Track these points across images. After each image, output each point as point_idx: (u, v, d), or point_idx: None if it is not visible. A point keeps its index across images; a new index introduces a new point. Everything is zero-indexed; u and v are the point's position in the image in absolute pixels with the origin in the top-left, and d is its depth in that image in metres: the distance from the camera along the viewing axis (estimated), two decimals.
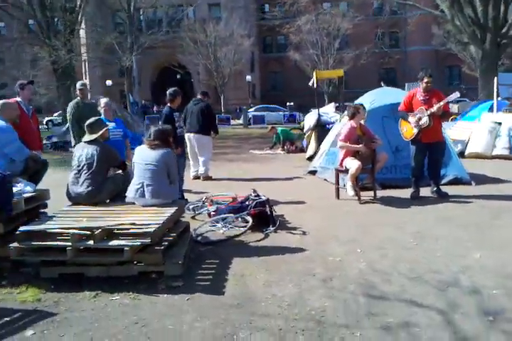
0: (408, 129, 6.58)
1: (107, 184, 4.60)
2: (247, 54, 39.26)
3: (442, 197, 6.56)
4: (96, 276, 3.87)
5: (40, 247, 3.85)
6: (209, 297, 3.55)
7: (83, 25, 29.22)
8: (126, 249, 3.67)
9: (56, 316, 3.30)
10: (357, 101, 7.94)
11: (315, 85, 11.08)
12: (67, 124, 16.35)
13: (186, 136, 8.07)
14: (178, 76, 42.51)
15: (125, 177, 4.79)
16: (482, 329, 2.97)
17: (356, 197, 6.45)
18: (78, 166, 4.57)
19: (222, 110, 36.05)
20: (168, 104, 6.64)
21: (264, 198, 5.28)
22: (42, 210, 4.68)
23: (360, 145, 6.31)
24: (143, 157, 4.52)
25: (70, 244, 3.70)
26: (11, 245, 3.78)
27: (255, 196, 5.45)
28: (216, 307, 3.37)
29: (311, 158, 10.33)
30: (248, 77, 36.55)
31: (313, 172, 8.86)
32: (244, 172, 9.75)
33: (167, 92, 6.67)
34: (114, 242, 3.74)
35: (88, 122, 4.72)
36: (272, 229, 5.11)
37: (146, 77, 41.21)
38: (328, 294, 3.55)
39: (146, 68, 39.63)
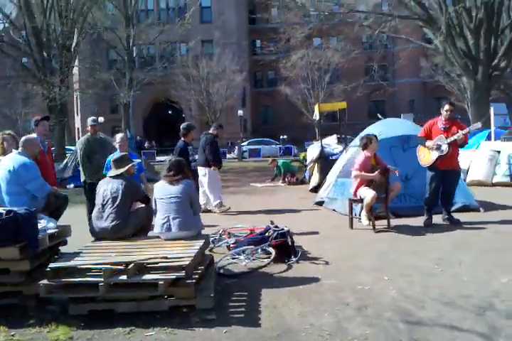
0: (426, 155, 6.69)
1: (131, 218, 4.60)
2: (238, 89, 39.86)
3: (455, 224, 6.61)
4: (125, 312, 3.82)
5: (69, 284, 3.81)
6: (246, 329, 3.51)
7: (77, 63, 29.73)
8: (160, 283, 3.64)
9: None
10: (364, 133, 8.09)
11: (317, 118, 11.27)
12: (65, 161, 16.42)
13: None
14: (170, 111, 43.03)
15: (148, 211, 4.79)
16: None
17: (371, 227, 6.47)
18: (103, 201, 4.58)
19: None
20: (182, 138, 6.71)
21: (285, 229, 5.28)
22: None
23: (375, 174, 6.40)
24: (165, 192, 4.54)
25: (102, 279, 3.66)
26: (40, 282, 3.73)
27: (274, 227, 5.46)
28: (255, 339, 3.34)
29: (314, 190, 10.39)
30: (240, 112, 36.96)
31: (320, 203, 8.91)
32: (251, 205, 9.77)
33: (181, 127, 6.77)
34: (148, 276, 3.71)
35: (115, 157, 4.77)
36: (294, 259, 5.10)
37: (138, 112, 41.56)
38: (367, 322, 3.53)
39: (138, 104, 40.03)
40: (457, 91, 36.89)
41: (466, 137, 6.77)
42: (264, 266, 4.88)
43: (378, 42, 34.83)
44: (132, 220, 4.61)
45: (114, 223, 4.48)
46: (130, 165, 4.74)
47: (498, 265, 4.78)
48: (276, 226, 5.50)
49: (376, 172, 6.41)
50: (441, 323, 3.46)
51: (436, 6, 17.18)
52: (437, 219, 6.87)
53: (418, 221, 6.87)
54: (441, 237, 6.06)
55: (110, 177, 4.70)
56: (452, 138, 6.45)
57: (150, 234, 4.74)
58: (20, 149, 4.80)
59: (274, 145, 31.83)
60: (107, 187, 4.62)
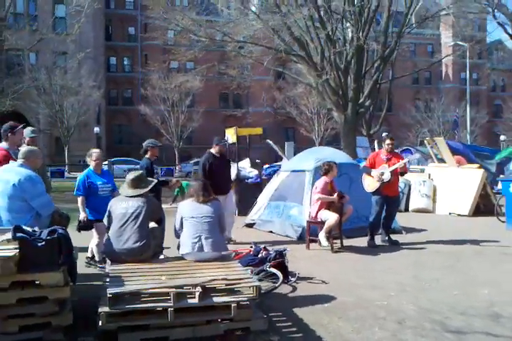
0: (371, 183, 7.36)
1: (151, 239, 4.32)
2: (94, 105, 38.14)
3: (395, 245, 7.36)
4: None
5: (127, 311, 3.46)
6: None
7: None
8: (233, 305, 3.52)
9: None
10: (296, 158, 8.58)
11: (230, 141, 11.49)
12: None
13: None
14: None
15: (162, 232, 4.55)
16: None
17: (329, 247, 6.87)
18: (121, 220, 4.23)
19: (66, 162, 34.12)
20: (146, 156, 6.39)
21: (282, 250, 5.39)
22: None
23: (335, 197, 6.85)
24: (196, 211, 4.39)
25: (171, 304, 3.41)
26: (100, 310, 3.33)
27: (264, 248, 5.53)
28: None
29: None
30: (96, 129, 35.39)
31: (250, 225, 9.09)
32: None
33: (143, 144, 6.44)
34: (218, 299, 3.56)
35: (134, 177, 4.43)
36: (293, 279, 5.22)
37: None
38: (418, 333, 3.85)
39: None
40: (305, 123, 40.34)
41: (405, 166, 7.64)
42: (277, 287, 4.91)
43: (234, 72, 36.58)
44: (152, 241, 4.33)
45: (138, 244, 4.17)
46: (152, 185, 4.47)
47: (466, 280, 5.50)
48: (265, 248, 5.58)
49: (335, 195, 6.88)
50: (476, 331, 3.94)
51: (312, 45, 18.80)
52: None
53: (361, 241, 7.49)
54: (395, 257, 6.71)
55: (127, 196, 4.36)
56: (394, 167, 7.25)
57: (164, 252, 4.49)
58: (21, 161, 4.20)
59: (135, 165, 30.84)
60: (125, 205, 4.28)
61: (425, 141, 14.73)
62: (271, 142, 15.25)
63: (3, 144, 5.09)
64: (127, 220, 4.21)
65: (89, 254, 5.88)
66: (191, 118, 39.25)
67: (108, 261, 4.27)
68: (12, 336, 3.35)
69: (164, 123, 39.11)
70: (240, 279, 3.75)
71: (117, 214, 4.26)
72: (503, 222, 9.72)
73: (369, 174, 7.40)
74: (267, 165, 18.75)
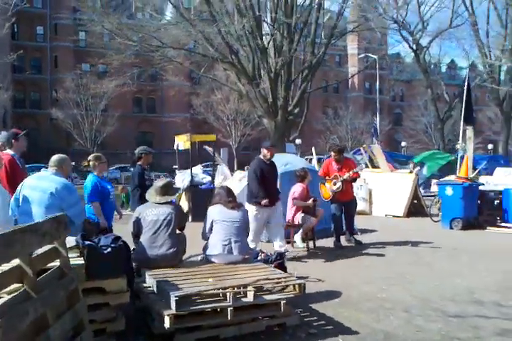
0: (325, 192, 7.96)
1: (180, 244, 4.49)
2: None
3: (359, 244, 8.01)
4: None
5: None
6: (354, 337, 3.98)
7: None
8: (283, 302, 3.84)
9: None
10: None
11: (182, 148, 11.60)
12: None
13: None
14: None
15: (185, 238, 4.72)
16: None
17: (305, 248, 7.34)
18: (153, 227, 4.36)
19: None
20: (138, 163, 6.41)
21: (282, 250, 5.75)
22: None
23: (310, 202, 7.33)
24: (227, 215, 4.65)
25: (230, 303, 3.66)
26: (167, 313, 3.49)
27: (260, 251, 5.85)
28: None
29: None
30: (4, 133, 33.21)
31: None
32: None
33: (136, 151, 6.47)
34: (269, 297, 3.85)
35: (163, 184, 4.56)
36: None
37: None
38: (427, 319, 4.41)
39: None
40: (224, 130, 40.82)
41: (355, 174, 8.22)
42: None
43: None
44: (182, 247, 4.51)
45: (171, 250, 4.34)
46: (178, 193, 4.65)
47: (435, 272, 6.22)
48: (261, 250, 5.91)
49: (311, 200, 7.36)
50: (472, 315, 4.57)
51: (244, 53, 19.37)
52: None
53: (325, 242, 8.07)
54: (366, 255, 7.31)
55: (156, 203, 4.50)
56: (343, 178, 7.83)
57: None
58: (54, 169, 4.18)
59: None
60: (156, 212, 4.43)
61: (361, 148, 15.81)
62: (208, 148, 15.49)
63: (9, 151, 4.97)
64: (159, 227, 4.35)
65: None
66: (106, 123, 38.14)
67: None
68: None
69: (77, 128, 37.61)
70: (284, 278, 4.07)
71: (149, 221, 4.39)
72: (435, 221, 10.82)
73: (323, 184, 7.99)
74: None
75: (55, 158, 4.29)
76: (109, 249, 3.42)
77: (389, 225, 10.76)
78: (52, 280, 2.74)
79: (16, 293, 2.38)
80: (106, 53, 26.02)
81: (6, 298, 2.33)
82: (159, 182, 4.63)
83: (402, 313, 4.59)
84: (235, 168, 26.89)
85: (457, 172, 16.65)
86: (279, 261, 5.61)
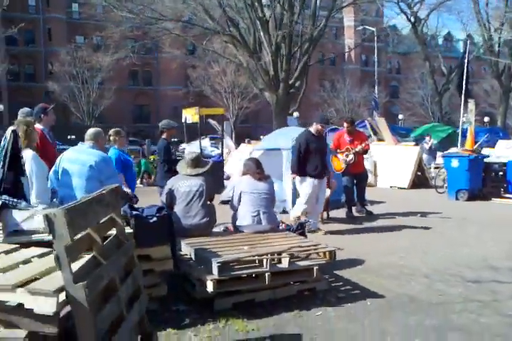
0: (338, 164, 8.12)
1: (212, 214, 4.67)
2: None
3: (370, 214, 8.23)
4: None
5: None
6: (383, 300, 4.21)
7: None
8: (315, 268, 4.04)
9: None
10: (268, 138, 9.09)
11: (190, 121, 11.67)
12: None
13: None
14: None
15: (215, 208, 4.89)
16: None
17: (320, 219, 7.55)
18: (187, 198, 4.52)
19: None
20: (163, 136, 6.50)
21: (303, 220, 5.95)
22: None
23: (332, 173, 7.52)
24: (255, 187, 4.80)
25: (267, 269, 3.85)
26: (209, 278, 3.68)
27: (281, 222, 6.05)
28: (400, 304, 4.10)
29: None
30: (0, 107, 32.99)
31: (225, 202, 9.48)
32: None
33: (160, 124, 6.54)
34: (302, 263, 4.05)
35: (194, 157, 4.70)
36: None
37: None
38: (447, 284, 4.64)
39: None
40: (221, 103, 40.67)
41: (367, 146, 8.40)
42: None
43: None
44: (213, 217, 4.68)
45: (205, 219, 4.51)
46: (210, 164, 4.79)
47: (448, 242, 6.46)
48: (282, 221, 6.10)
49: (330, 172, 7.54)
50: (489, 280, 4.81)
51: (245, 26, 19.19)
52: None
53: (337, 213, 8.29)
54: (378, 226, 7.51)
55: (187, 175, 4.65)
56: (356, 150, 7.98)
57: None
58: (91, 142, 4.30)
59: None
60: (188, 184, 4.58)
61: (366, 121, 15.91)
62: (212, 121, 15.58)
63: (39, 125, 5.06)
64: (192, 198, 4.51)
65: None
66: (102, 96, 37.83)
67: None
68: None
69: (74, 101, 37.30)
70: (314, 246, 4.26)
71: (182, 193, 4.54)
72: (440, 193, 11.07)
73: (335, 156, 8.14)
74: None
75: (90, 131, 4.40)
76: (154, 218, 3.58)
77: (395, 196, 11.00)
78: (113, 248, 2.90)
79: (87, 259, 2.54)
80: (100, 25, 25.59)
81: (80, 264, 2.49)
82: (190, 155, 4.76)
83: (422, 279, 4.82)
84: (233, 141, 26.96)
85: (458, 144, 16.88)
86: (300, 230, 5.83)
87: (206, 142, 11.77)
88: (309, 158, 6.76)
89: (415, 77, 47.57)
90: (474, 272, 5.06)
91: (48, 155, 4.81)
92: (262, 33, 18.35)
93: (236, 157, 11.31)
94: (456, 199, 10.18)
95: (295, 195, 7.86)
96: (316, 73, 53.78)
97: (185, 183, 4.58)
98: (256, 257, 3.88)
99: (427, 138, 16.54)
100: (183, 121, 11.86)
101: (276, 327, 3.63)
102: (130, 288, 2.88)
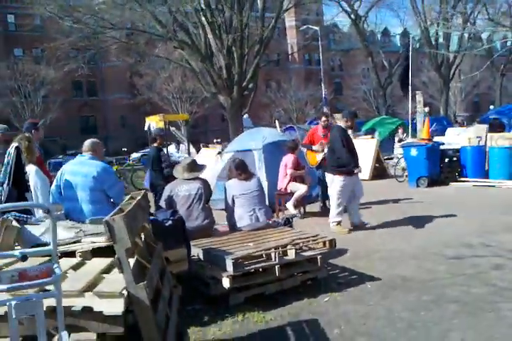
0: (312, 157, 8.46)
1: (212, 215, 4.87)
2: None
3: None
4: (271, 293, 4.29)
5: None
6: (380, 282, 4.56)
7: None
8: (319, 257, 4.33)
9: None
10: (237, 140, 9.35)
11: (152, 128, 11.72)
12: None
13: None
14: None
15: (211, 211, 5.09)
16: None
17: (298, 214, 7.86)
18: (187, 202, 4.70)
19: None
20: (154, 144, 6.62)
21: (290, 216, 6.23)
22: None
23: (303, 171, 7.82)
24: (244, 188, 5.03)
25: (276, 262, 4.10)
26: (225, 274, 3.89)
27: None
28: (396, 284, 4.46)
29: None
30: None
31: None
32: None
33: (153, 132, 6.66)
34: (306, 253, 4.33)
35: (190, 161, 4.88)
36: None
37: None
38: (444, 261, 5.05)
39: None
40: (170, 109, 40.47)
41: None
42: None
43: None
44: (212, 218, 4.88)
45: (206, 221, 4.71)
46: (204, 169, 4.98)
47: (424, 225, 6.92)
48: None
49: (303, 170, 7.85)
50: (468, 255, 5.26)
51: (195, 31, 19.33)
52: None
53: (310, 207, 8.62)
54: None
55: (185, 179, 4.83)
56: None
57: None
58: (90, 153, 4.40)
59: None
60: (187, 187, 4.76)
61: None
62: (172, 128, 15.65)
63: None
64: (192, 201, 4.69)
65: None
66: (47, 109, 36.83)
67: None
68: None
69: (18, 117, 36.10)
70: (314, 236, 4.54)
71: (182, 197, 4.72)
72: (400, 181, 11.67)
73: (310, 150, 8.48)
74: None
75: (88, 142, 4.49)
76: (170, 222, 3.76)
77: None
78: (145, 251, 3.07)
79: (133, 262, 2.71)
80: (40, 37, 24.77)
81: (130, 267, 2.66)
82: (186, 160, 4.95)
83: (410, 260, 5.21)
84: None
85: (409, 135, 17.73)
86: (288, 225, 6.11)
87: (172, 148, 11.85)
88: (351, 153, 6.64)
89: (357, 73, 49.06)
90: (454, 250, 5.50)
91: (43, 169, 4.89)
92: (213, 37, 18.54)
93: (200, 161, 11.44)
94: (417, 186, 10.76)
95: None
96: (262, 74, 54.27)
97: (184, 188, 4.76)
98: (265, 251, 4.12)
99: (400, 131, 17.57)
100: (145, 129, 11.92)
101: (292, 316, 3.89)
102: (167, 286, 3.07)
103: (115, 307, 2.31)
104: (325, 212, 8.34)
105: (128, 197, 3.19)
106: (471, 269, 4.79)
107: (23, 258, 1.97)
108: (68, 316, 2.30)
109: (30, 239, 3.52)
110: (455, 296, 4.10)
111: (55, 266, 2.04)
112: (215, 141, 23.76)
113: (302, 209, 8.16)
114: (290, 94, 47.06)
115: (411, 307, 3.91)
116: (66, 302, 2.24)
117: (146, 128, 11.96)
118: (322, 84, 32.79)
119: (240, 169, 5.21)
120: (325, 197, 8.54)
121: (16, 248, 3.42)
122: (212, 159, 11.85)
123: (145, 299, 2.39)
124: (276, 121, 16.52)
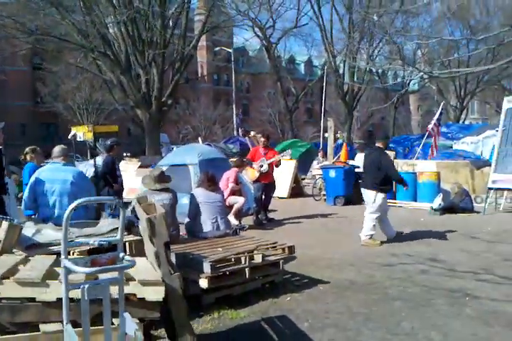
0: (252, 173, 9.00)
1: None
2: None
3: (271, 221, 9.21)
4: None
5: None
6: (331, 284, 5.12)
7: None
8: (281, 261, 4.80)
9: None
10: (172, 154, 9.63)
11: (81, 139, 11.54)
12: None
13: None
14: None
15: None
16: None
17: (238, 225, 8.28)
18: None
19: None
20: (109, 153, 6.69)
21: (240, 226, 6.64)
22: None
23: (240, 185, 8.29)
24: (210, 197, 5.39)
25: (246, 265, 4.50)
26: (203, 275, 4.21)
27: None
28: (348, 286, 5.05)
29: None
30: None
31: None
32: None
33: (107, 142, 6.73)
34: (270, 258, 4.77)
35: (159, 172, 5.11)
36: None
37: None
38: (378, 268, 5.73)
39: None
40: (75, 120, 39.05)
41: (279, 160, 9.38)
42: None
43: None
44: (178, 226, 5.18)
45: (175, 231, 4.99)
46: (172, 179, 5.25)
47: (355, 235, 7.68)
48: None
49: (240, 184, 8.31)
50: (404, 262, 6.04)
51: (116, 43, 19.27)
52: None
53: (246, 220, 9.11)
54: (289, 228, 8.51)
55: (156, 190, 5.08)
56: (271, 160, 9.02)
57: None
58: (61, 159, 4.51)
59: None
60: (160, 198, 5.02)
61: (247, 138, 17.04)
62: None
63: None
64: (166, 211, 4.94)
65: None
66: None
67: None
68: None
69: None
70: (273, 243, 5.01)
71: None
72: (317, 200, 12.56)
73: (250, 166, 9.04)
74: None
75: (57, 149, 4.61)
76: None
77: (282, 205, 12.11)
78: None
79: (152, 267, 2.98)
80: None
81: (156, 271, 2.91)
82: (155, 171, 5.20)
83: (350, 267, 5.86)
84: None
85: (319, 157, 18.93)
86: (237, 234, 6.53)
87: (100, 160, 11.64)
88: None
89: (264, 96, 50.92)
90: (384, 259, 6.26)
91: None
92: (134, 52, 18.61)
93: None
94: (334, 204, 11.68)
95: None
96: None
97: (156, 198, 5.00)
98: (236, 255, 4.51)
99: (320, 154, 18.88)
100: (69, 137, 11.69)
101: (262, 313, 4.30)
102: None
103: (157, 294, 2.59)
104: (259, 224, 8.89)
105: (134, 200, 3.44)
106: (402, 274, 5.53)
107: (100, 245, 2.23)
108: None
109: (24, 239, 3.63)
110: (396, 295, 4.76)
111: (122, 254, 2.31)
112: (124, 154, 23.49)
113: (238, 222, 8.59)
114: (199, 112, 47.59)
115: (364, 304, 4.50)
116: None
117: (69, 137, 11.72)
118: (233, 106, 33.74)
119: (211, 181, 5.58)
120: (259, 209, 9.10)
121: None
122: (132, 174, 11.87)
123: (178, 287, 2.69)
124: (199, 138, 16.89)
